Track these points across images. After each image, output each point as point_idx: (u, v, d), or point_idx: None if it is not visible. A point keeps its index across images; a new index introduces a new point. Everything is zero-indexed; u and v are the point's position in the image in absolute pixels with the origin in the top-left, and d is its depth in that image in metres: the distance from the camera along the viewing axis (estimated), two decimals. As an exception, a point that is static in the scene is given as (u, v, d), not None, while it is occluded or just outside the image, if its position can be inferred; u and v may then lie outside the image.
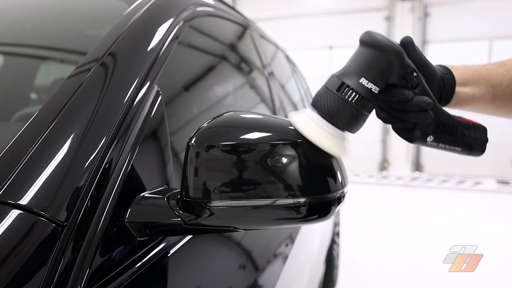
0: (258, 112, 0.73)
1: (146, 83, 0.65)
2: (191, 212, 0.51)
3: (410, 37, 0.57)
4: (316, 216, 0.50)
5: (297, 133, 0.51)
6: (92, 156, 0.51)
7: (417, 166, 7.17)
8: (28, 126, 0.52)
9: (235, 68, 1.29)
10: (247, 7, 8.14)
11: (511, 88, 0.66)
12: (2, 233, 0.41)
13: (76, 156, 0.50)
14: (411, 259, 3.26)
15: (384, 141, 7.28)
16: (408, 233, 3.93)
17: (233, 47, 1.34)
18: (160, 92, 0.67)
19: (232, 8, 1.38)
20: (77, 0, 1.06)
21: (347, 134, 0.53)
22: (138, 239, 0.55)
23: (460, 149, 0.60)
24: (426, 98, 0.54)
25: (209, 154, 0.49)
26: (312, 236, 1.56)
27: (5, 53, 1.05)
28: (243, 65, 1.38)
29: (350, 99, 0.50)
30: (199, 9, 0.96)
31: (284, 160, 0.49)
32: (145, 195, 0.57)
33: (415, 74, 0.54)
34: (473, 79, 0.64)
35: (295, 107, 2.09)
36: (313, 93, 0.65)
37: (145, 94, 0.63)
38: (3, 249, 0.40)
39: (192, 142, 0.50)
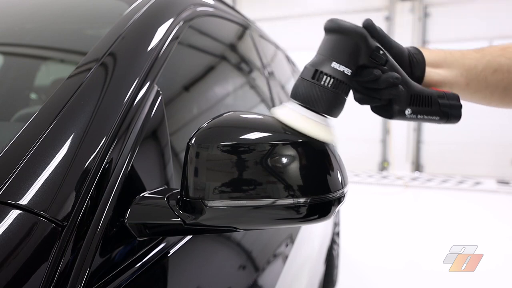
0: (258, 112, 0.73)
1: (146, 83, 0.65)
2: (191, 212, 0.51)
3: (370, 19, 0.58)
4: (316, 216, 0.50)
5: (297, 133, 0.51)
6: (92, 156, 0.51)
7: (417, 166, 7.17)
8: (28, 126, 0.52)
9: (235, 68, 1.29)
10: (247, 7, 8.13)
11: (485, 73, 0.66)
12: (2, 233, 0.41)
13: (76, 156, 0.50)
14: (411, 259, 3.26)
15: (384, 141, 7.27)
16: (408, 233, 3.92)
17: (233, 47, 1.34)
18: (160, 92, 0.67)
19: (232, 8, 1.38)
20: (77, 0, 1.06)
21: (331, 119, 0.55)
22: (138, 239, 0.55)
23: (437, 118, 0.62)
24: (394, 73, 0.57)
25: (209, 154, 0.49)
26: (312, 236, 1.56)
27: (5, 53, 1.05)
28: (243, 65, 1.38)
29: (326, 84, 0.52)
30: (199, 9, 0.96)
31: (284, 160, 0.49)
32: (145, 195, 0.57)
33: (381, 52, 0.56)
34: (445, 61, 0.65)
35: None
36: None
37: (145, 94, 0.63)
38: (3, 249, 0.40)
39: (192, 142, 0.50)
